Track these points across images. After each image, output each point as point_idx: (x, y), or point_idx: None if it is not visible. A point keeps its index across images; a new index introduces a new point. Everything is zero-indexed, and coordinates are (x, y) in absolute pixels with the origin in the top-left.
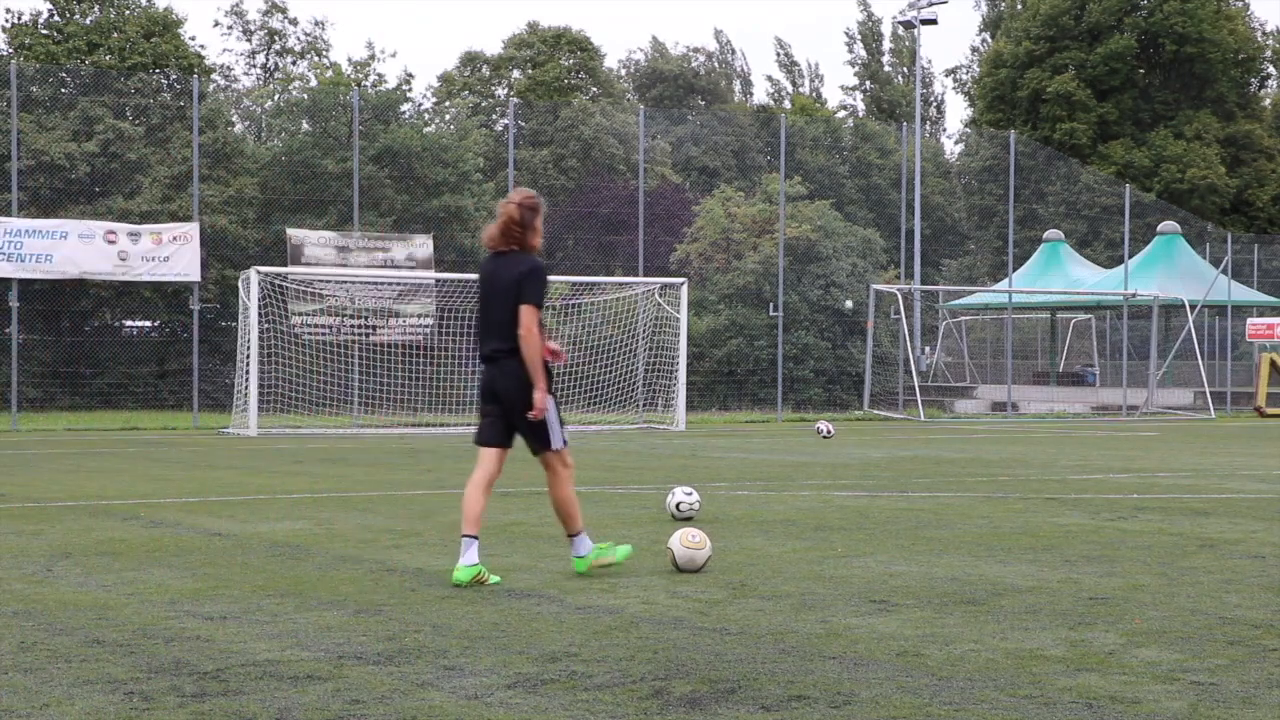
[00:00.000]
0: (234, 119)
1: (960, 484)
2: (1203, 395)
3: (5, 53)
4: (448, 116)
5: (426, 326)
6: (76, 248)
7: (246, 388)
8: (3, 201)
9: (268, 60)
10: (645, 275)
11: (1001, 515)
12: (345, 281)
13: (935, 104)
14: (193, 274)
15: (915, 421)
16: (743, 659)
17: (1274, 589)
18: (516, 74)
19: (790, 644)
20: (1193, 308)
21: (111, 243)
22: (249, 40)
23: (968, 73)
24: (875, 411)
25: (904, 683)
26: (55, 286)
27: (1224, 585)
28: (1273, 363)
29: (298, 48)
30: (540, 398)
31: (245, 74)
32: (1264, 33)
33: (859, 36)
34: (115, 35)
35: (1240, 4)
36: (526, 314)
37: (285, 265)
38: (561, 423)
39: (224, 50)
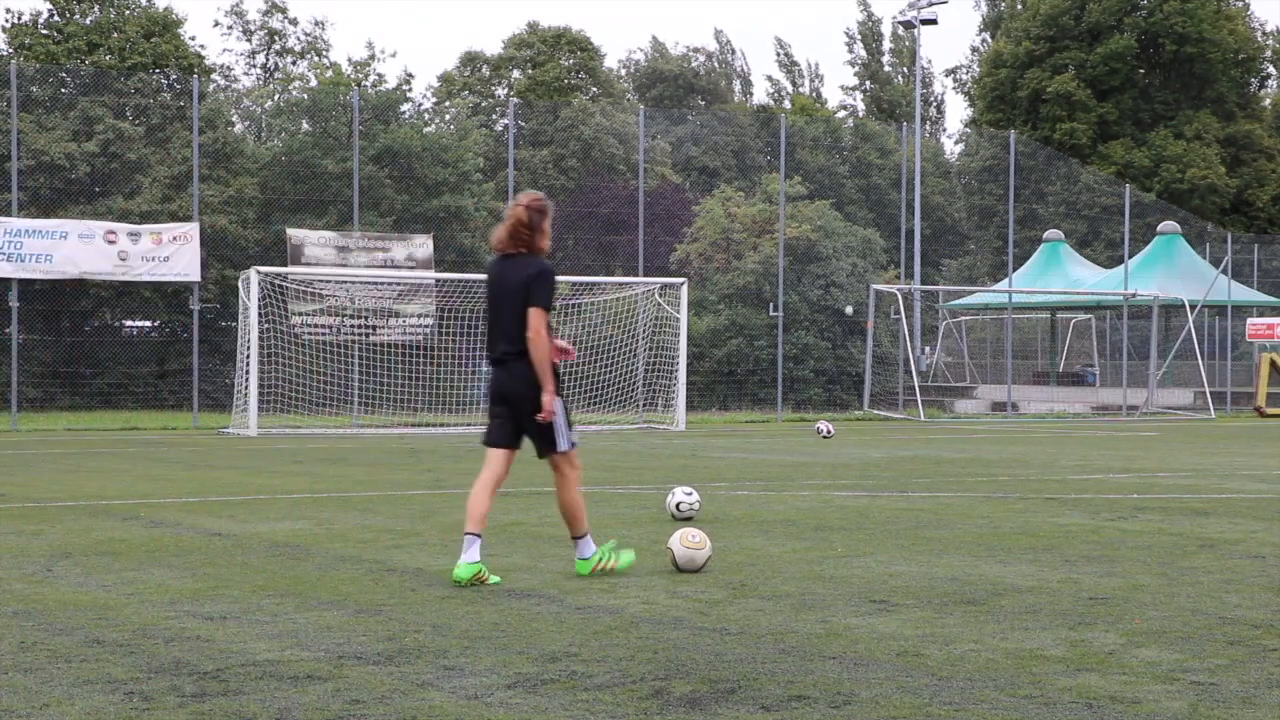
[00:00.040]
0: (234, 119)
1: (960, 484)
2: (1203, 395)
3: (5, 53)
4: (448, 116)
5: (426, 326)
6: (76, 248)
7: (246, 388)
8: (3, 201)
9: (268, 60)
10: (645, 275)
11: (1001, 515)
12: (345, 281)
13: (935, 104)
14: (193, 274)
15: (915, 421)
16: (743, 659)
17: (1274, 589)
18: (516, 74)
19: (790, 644)
20: (1193, 308)
21: (111, 243)
22: (249, 40)
23: (968, 73)
24: (875, 411)
25: (904, 683)
26: (55, 286)
27: (1224, 585)
28: (1273, 363)
29: (298, 48)
30: (549, 400)
31: (245, 74)
32: (1264, 33)
33: (859, 36)
34: (115, 35)
35: (1240, 4)
36: (535, 317)
37: (285, 265)
38: (571, 424)
39: (224, 50)
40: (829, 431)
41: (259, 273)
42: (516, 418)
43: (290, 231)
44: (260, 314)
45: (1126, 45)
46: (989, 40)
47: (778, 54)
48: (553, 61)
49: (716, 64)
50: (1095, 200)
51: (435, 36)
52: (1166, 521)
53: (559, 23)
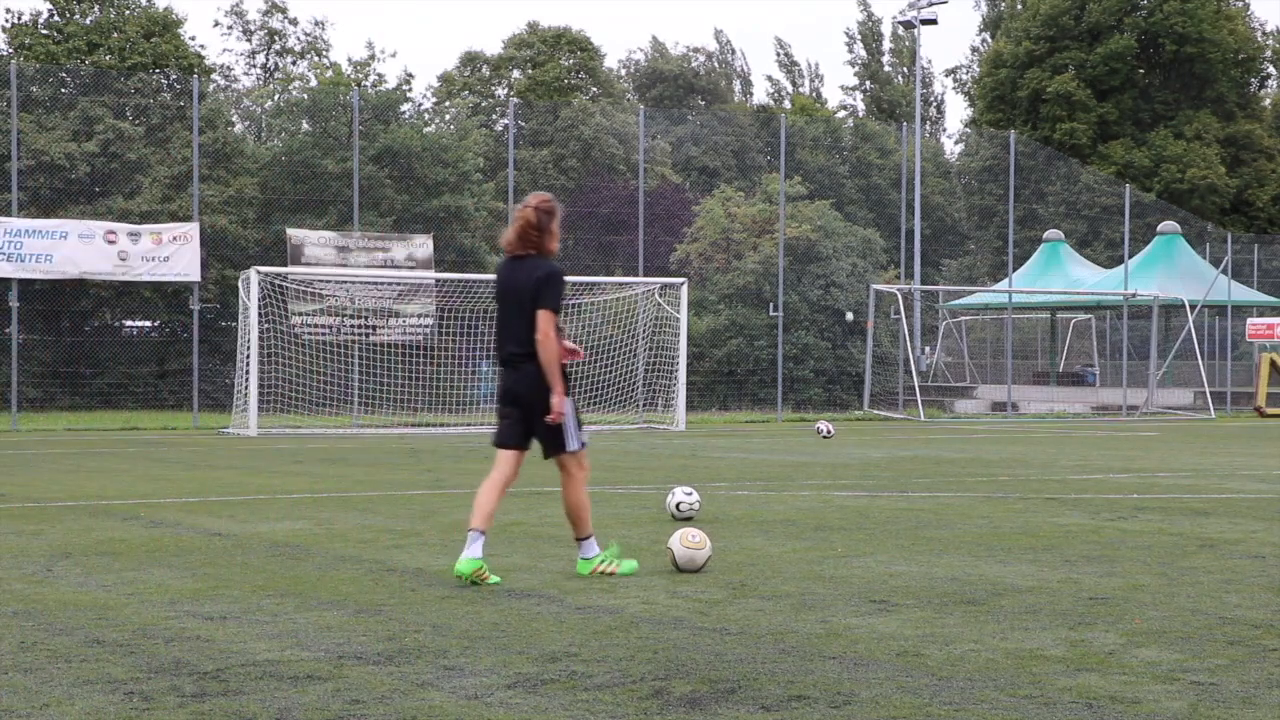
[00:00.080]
0: (234, 119)
1: (960, 484)
2: (1203, 395)
3: (5, 53)
4: (448, 116)
5: (426, 326)
6: (76, 248)
7: (246, 388)
8: (3, 201)
9: (268, 60)
10: (645, 275)
11: (1001, 515)
12: (345, 281)
13: (935, 104)
14: (193, 274)
15: (915, 421)
16: (743, 659)
17: (1274, 589)
18: (516, 74)
19: (790, 644)
20: (1193, 308)
21: (111, 243)
22: (249, 40)
23: (968, 73)
24: (875, 411)
25: (904, 683)
26: (55, 286)
27: (1224, 585)
28: (1273, 363)
29: (298, 48)
30: (558, 402)
31: (245, 74)
32: (1264, 33)
33: (859, 36)
34: (115, 35)
35: (1240, 4)
36: (544, 319)
37: (285, 265)
38: (580, 424)
39: (224, 50)
40: (829, 431)
41: (259, 273)
42: (526, 418)
43: (290, 231)
44: (260, 314)
45: (1126, 45)
46: (989, 40)
47: (778, 54)
48: (553, 61)
49: (716, 64)
50: (1095, 200)
51: (435, 36)
52: (1166, 521)
53: (559, 23)
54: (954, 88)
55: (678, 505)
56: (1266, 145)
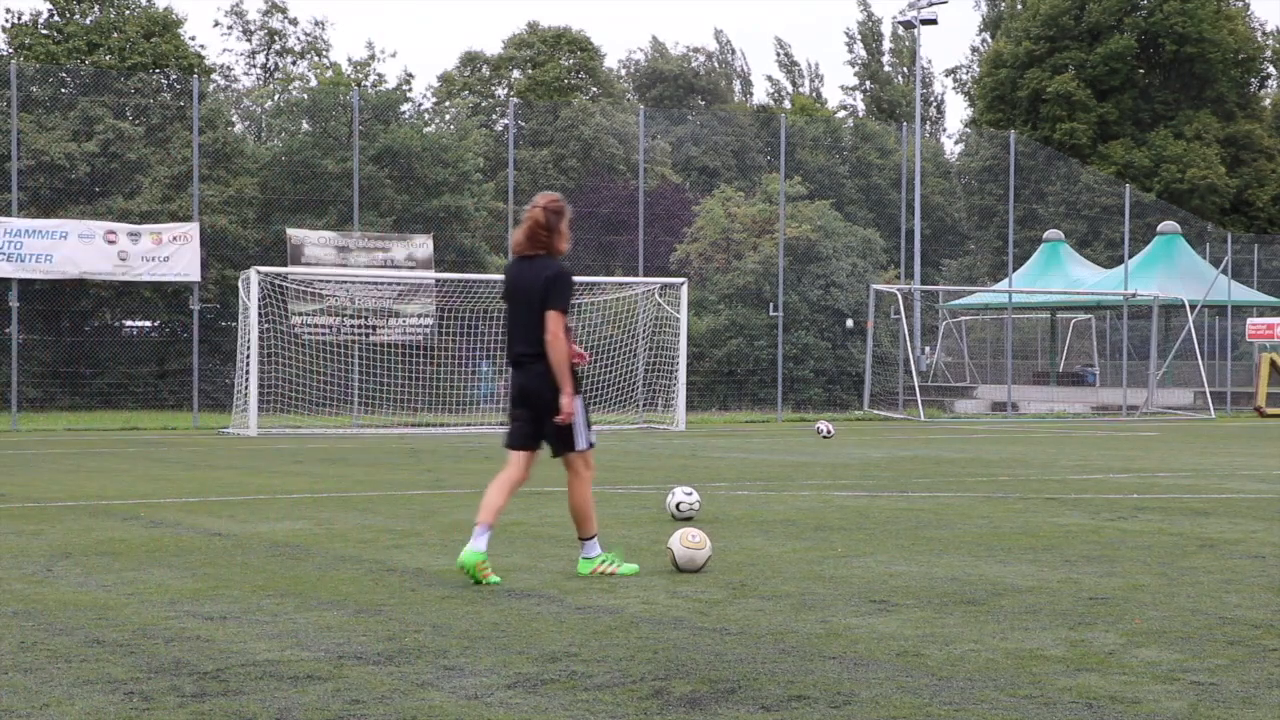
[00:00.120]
0: (234, 119)
1: (960, 484)
2: (1203, 395)
3: (5, 53)
4: (448, 116)
5: (426, 326)
6: (76, 248)
7: (246, 388)
8: (3, 201)
9: (268, 60)
10: (645, 275)
11: (1001, 515)
12: (345, 281)
13: (935, 104)
14: (193, 274)
15: (915, 421)
16: (743, 659)
17: (1274, 589)
18: (516, 74)
19: (790, 644)
20: (1193, 308)
21: (111, 243)
22: (249, 40)
23: (968, 73)
24: (875, 411)
25: (904, 683)
26: (55, 286)
27: (1224, 585)
28: (1273, 363)
29: (298, 48)
30: (567, 402)
31: (245, 74)
32: (1264, 33)
33: (859, 36)
34: (115, 35)
35: (1240, 4)
36: (553, 321)
37: (285, 265)
38: (589, 424)
39: (224, 50)
40: (829, 431)
41: (259, 273)
42: (536, 419)
43: (290, 231)
44: (260, 314)
45: (1126, 45)
46: (989, 40)
47: (778, 54)
48: (553, 61)
49: (716, 64)
50: (1095, 200)
51: (435, 36)
52: (1166, 521)
53: (559, 23)
54: (954, 88)
55: (678, 505)
56: (1266, 145)
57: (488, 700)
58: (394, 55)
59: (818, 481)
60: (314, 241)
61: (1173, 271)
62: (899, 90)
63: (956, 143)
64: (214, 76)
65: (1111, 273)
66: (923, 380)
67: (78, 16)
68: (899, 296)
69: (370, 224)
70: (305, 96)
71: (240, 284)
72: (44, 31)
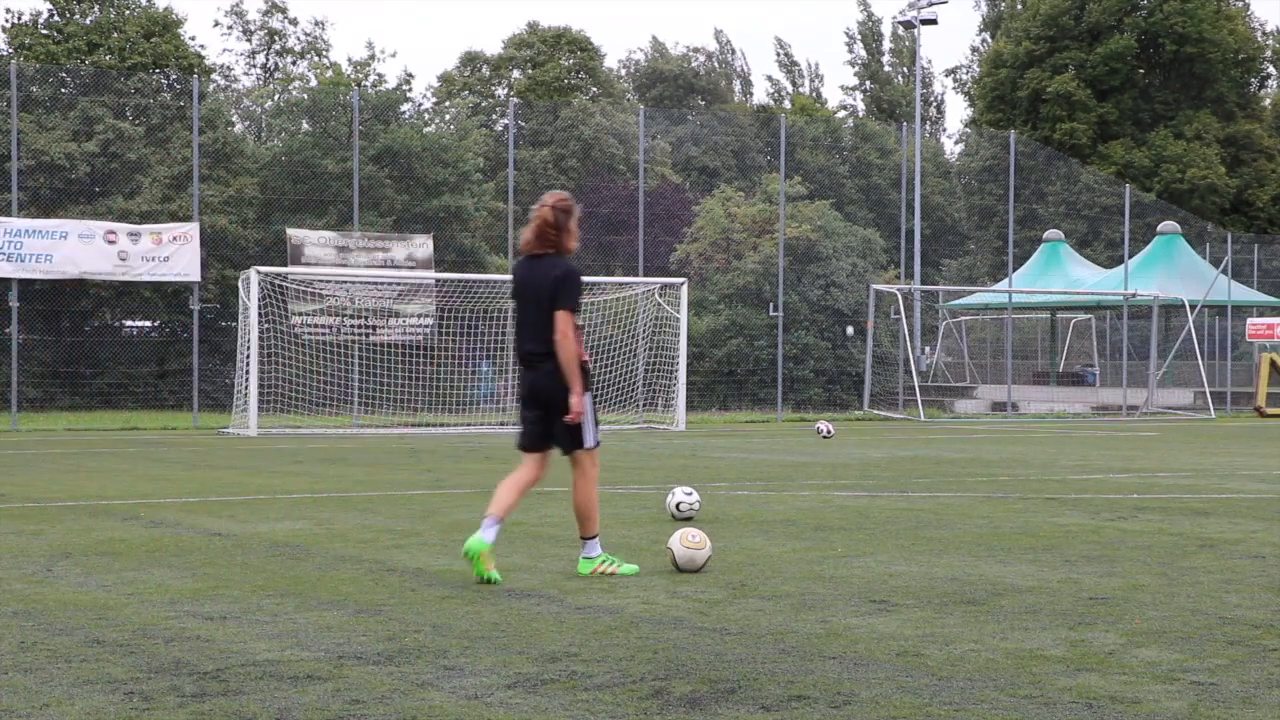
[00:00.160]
0: (234, 119)
1: (960, 484)
2: (1203, 395)
3: (5, 53)
4: (448, 116)
5: (426, 326)
6: (76, 248)
7: (246, 388)
8: (3, 201)
9: (268, 60)
10: (645, 275)
11: (1001, 515)
12: (345, 281)
13: (935, 104)
14: (193, 274)
15: (915, 421)
16: (743, 659)
17: (1274, 589)
18: (516, 74)
19: (790, 644)
20: (1193, 308)
21: (111, 243)
22: (249, 40)
23: (968, 73)
24: (875, 411)
25: (904, 683)
26: (55, 286)
27: (1224, 585)
28: (1273, 363)
29: (298, 48)
30: (577, 401)
31: (245, 74)
32: (1264, 33)
33: (859, 36)
34: (115, 35)
35: (1240, 4)
36: (562, 320)
37: (285, 265)
38: (597, 423)
39: (224, 50)
40: (829, 431)
41: (259, 273)
42: (546, 418)
43: (290, 231)
44: (260, 314)
45: (1126, 45)
46: (989, 40)
47: (778, 54)
48: (553, 61)
49: (716, 64)
50: (1095, 200)
51: (435, 36)
52: (1166, 521)
53: (559, 23)
54: (954, 88)
55: (678, 505)
56: (1266, 145)
57: (488, 700)
58: (394, 55)
59: (818, 481)
60: (314, 241)
61: (1173, 271)
62: (899, 90)
63: (956, 143)
64: (214, 76)
65: (1111, 273)
66: (923, 380)
67: (78, 16)
68: (899, 296)
69: (370, 224)
70: (305, 96)
71: (240, 284)
72: (44, 31)
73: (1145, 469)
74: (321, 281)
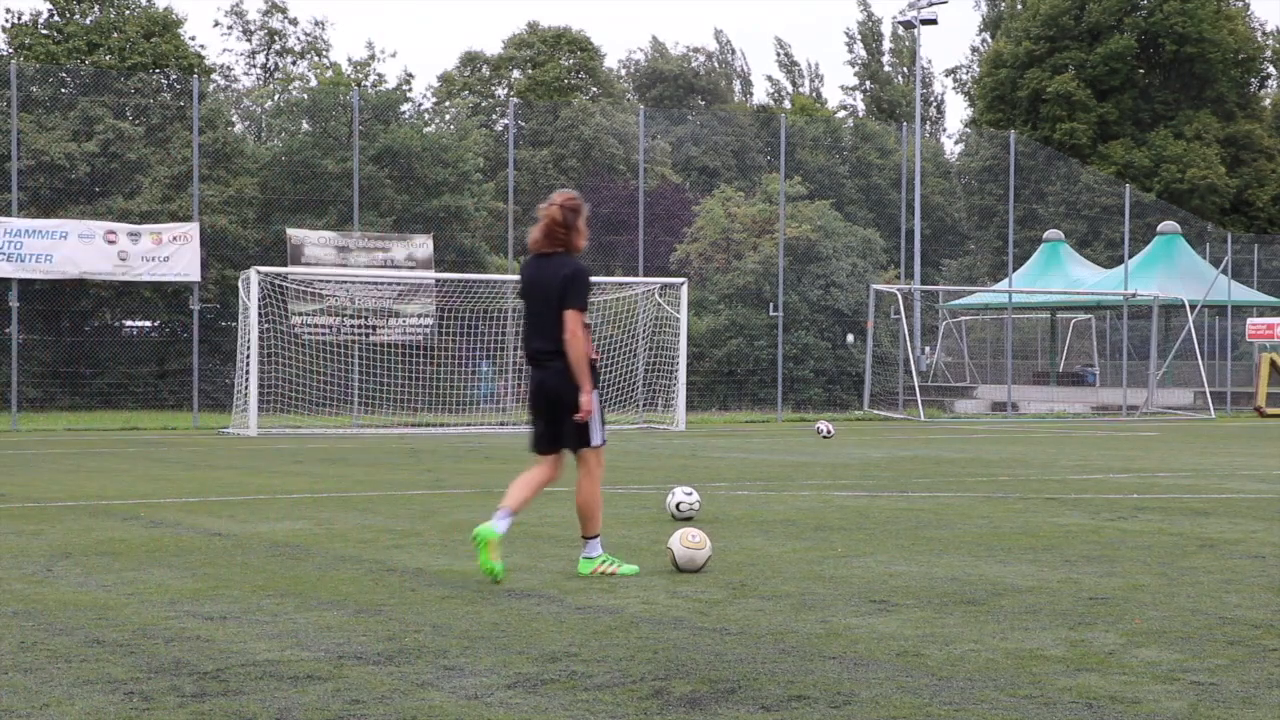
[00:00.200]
0: (234, 119)
1: (960, 484)
2: (1203, 395)
3: (5, 53)
4: (448, 116)
5: (426, 326)
6: (76, 248)
7: (246, 388)
8: (3, 201)
9: (268, 60)
10: (645, 275)
11: (1001, 515)
12: (345, 281)
13: (935, 104)
14: (193, 274)
15: (915, 421)
16: (743, 659)
17: (1274, 589)
18: (516, 74)
19: (790, 644)
20: (1193, 308)
21: (111, 243)
22: (249, 40)
23: (968, 73)
24: (875, 411)
25: (904, 683)
26: (55, 286)
27: (1224, 585)
28: (1273, 363)
29: (298, 48)
30: (586, 400)
31: (245, 74)
32: (1264, 33)
33: (859, 36)
34: (115, 35)
35: (1240, 4)
36: (571, 320)
37: (285, 265)
38: (604, 422)
39: (224, 50)
40: (829, 431)
41: (259, 273)
42: (554, 418)
43: (290, 231)
44: (260, 314)
45: (1126, 45)
46: (989, 40)
47: (778, 54)
48: (553, 61)
49: (716, 64)
50: (1095, 200)
51: (435, 36)
52: (1166, 521)
53: (559, 23)
54: (954, 88)
55: (678, 505)
56: (1266, 145)
57: (488, 700)
58: (394, 55)
59: (818, 481)
60: (314, 241)
61: (1173, 271)
62: (899, 90)
63: (956, 143)
64: (214, 76)
65: (1111, 273)
66: (923, 380)
67: (78, 16)
68: (899, 296)
69: (370, 224)
70: (305, 96)
71: (240, 284)
72: (44, 31)
73: (1145, 469)
74: (321, 281)
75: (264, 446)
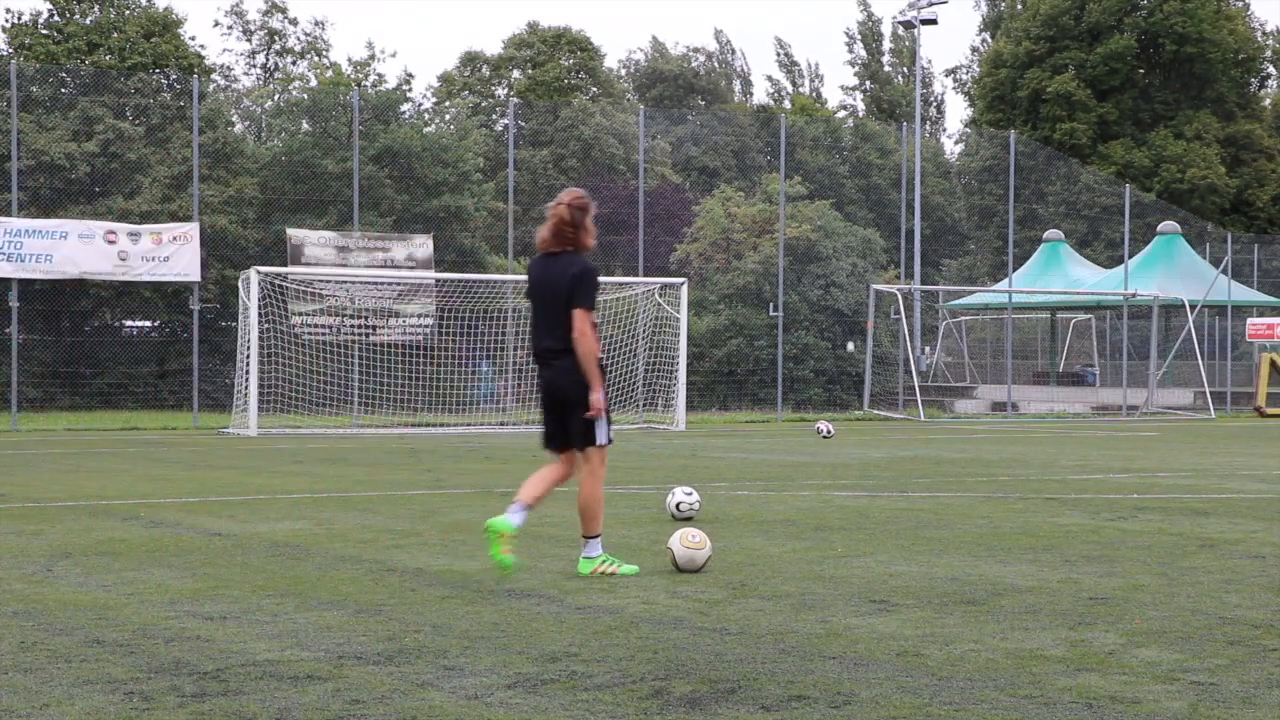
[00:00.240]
0: (234, 119)
1: (960, 484)
2: (1203, 395)
3: (5, 53)
4: (448, 116)
5: (426, 326)
6: (76, 248)
7: (246, 388)
8: (3, 201)
9: (268, 60)
10: (645, 275)
11: (1001, 515)
12: (345, 281)
13: (935, 104)
14: (193, 274)
15: (915, 421)
16: (743, 659)
17: (1274, 589)
18: (516, 74)
19: (790, 644)
20: (1193, 308)
21: (111, 243)
22: (249, 40)
23: (968, 73)
24: (875, 411)
25: (904, 683)
26: (55, 286)
27: (1224, 585)
28: (1273, 363)
29: (298, 48)
30: (596, 399)
31: (245, 74)
32: (1264, 33)
33: (859, 36)
34: (115, 35)
35: (1240, 4)
36: (579, 318)
37: (285, 265)
38: (610, 421)
39: (224, 50)
40: (829, 431)
41: (259, 273)
42: (563, 416)
43: (290, 231)
44: (260, 314)
45: (1126, 45)
46: (989, 40)
47: (778, 54)
48: (553, 61)
49: (716, 64)
50: (1095, 200)
51: (435, 36)
52: (1166, 521)
53: (559, 23)
54: (954, 88)
55: (678, 505)
56: (1266, 145)
57: (488, 700)
58: (394, 55)
59: (818, 481)
60: (314, 241)
61: (1173, 271)
62: (899, 90)
63: (956, 143)
64: (214, 76)
65: (1111, 273)
66: (923, 380)
67: (78, 16)
68: (899, 296)
69: (370, 224)
70: (305, 96)
71: (240, 284)
72: (44, 31)
73: (1145, 469)
74: (321, 281)
75: (264, 446)
